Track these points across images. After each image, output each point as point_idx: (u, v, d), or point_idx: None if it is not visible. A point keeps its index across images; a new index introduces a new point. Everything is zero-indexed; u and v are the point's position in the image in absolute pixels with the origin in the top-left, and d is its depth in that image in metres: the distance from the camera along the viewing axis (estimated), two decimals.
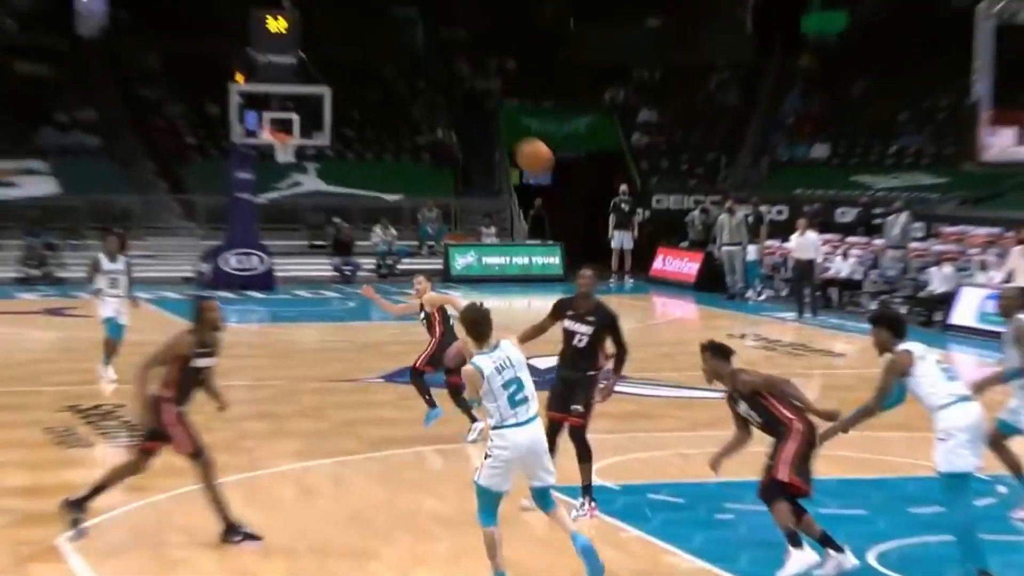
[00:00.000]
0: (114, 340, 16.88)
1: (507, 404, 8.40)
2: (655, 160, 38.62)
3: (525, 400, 8.46)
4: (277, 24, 28.44)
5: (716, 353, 9.20)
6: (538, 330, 10.78)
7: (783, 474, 8.78)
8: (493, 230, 34.31)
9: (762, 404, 9.02)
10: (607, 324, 10.61)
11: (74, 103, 37.22)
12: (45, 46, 38.92)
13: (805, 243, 24.62)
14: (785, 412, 8.95)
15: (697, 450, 12.80)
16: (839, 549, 8.91)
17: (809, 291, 24.84)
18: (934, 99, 37.76)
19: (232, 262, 29.15)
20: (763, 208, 29.41)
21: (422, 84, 40.90)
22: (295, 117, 28.40)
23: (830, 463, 11.59)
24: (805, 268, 24.69)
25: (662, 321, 26.16)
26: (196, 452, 9.81)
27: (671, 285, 30.21)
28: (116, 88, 38.09)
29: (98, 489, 9.97)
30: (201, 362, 9.87)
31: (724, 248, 28.08)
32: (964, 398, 8.67)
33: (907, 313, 23.74)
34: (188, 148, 36.95)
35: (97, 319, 17.17)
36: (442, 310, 13.43)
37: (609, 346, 10.85)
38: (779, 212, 31.65)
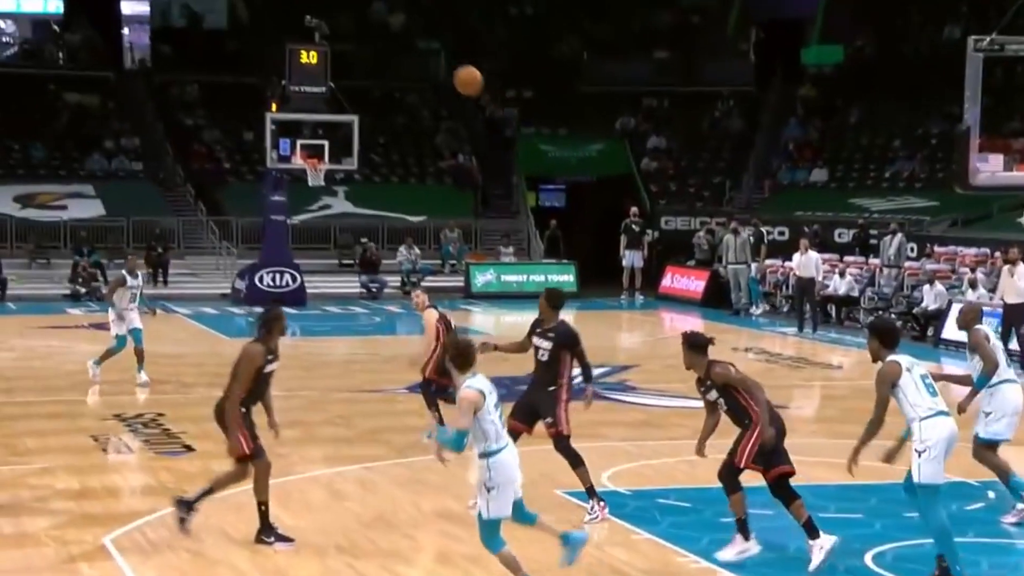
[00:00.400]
0: (141, 347, 17.41)
1: (501, 425, 8.27)
2: (663, 183, 38.61)
3: (504, 428, 8.40)
4: (309, 57, 28.51)
5: (692, 346, 9.40)
6: (519, 347, 10.99)
7: (741, 461, 9.18)
8: (511, 249, 34.33)
9: (732, 395, 9.31)
10: (565, 341, 10.63)
11: (119, 131, 37.43)
12: (93, 78, 39.18)
13: (806, 262, 24.61)
14: (753, 406, 9.21)
15: (703, 457, 12.78)
16: (817, 536, 9.16)
17: (809, 307, 24.79)
18: (926, 127, 37.70)
19: (266, 280, 29.21)
20: (763, 228, 29.39)
21: (445, 112, 40.99)
22: (325, 143, 28.47)
23: (830, 469, 11.57)
24: (806, 285, 24.65)
25: (670, 335, 26.09)
26: (248, 457, 9.75)
27: (679, 301, 30.18)
28: (158, 117, 38.29)
29: (207, 492, 9.93)
30: (269, 367, 9.86)
31: (730, 266, 28.06)
32: (942, 413, 8.65)
33: (901, 328, 23.69)
34: (225, 173, 37.10)
35: (122, 331, 17.45)
36: (443, 319, 13.41)
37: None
38: (780, 233, 31.60)
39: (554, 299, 10.79)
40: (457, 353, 8.37)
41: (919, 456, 8.57)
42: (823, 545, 9.11)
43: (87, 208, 34.05)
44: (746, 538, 9.35)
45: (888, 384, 8.61)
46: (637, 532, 10.28)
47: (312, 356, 20.99)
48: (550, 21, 44.57)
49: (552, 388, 10.68)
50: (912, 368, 8.69)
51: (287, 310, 25.45)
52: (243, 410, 9.79)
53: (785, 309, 27.49)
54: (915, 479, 8.64)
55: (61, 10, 45.12)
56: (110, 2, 43.21)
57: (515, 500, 8.32)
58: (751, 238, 28.25)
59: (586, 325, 28.23)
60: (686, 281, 31.01)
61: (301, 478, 12.11)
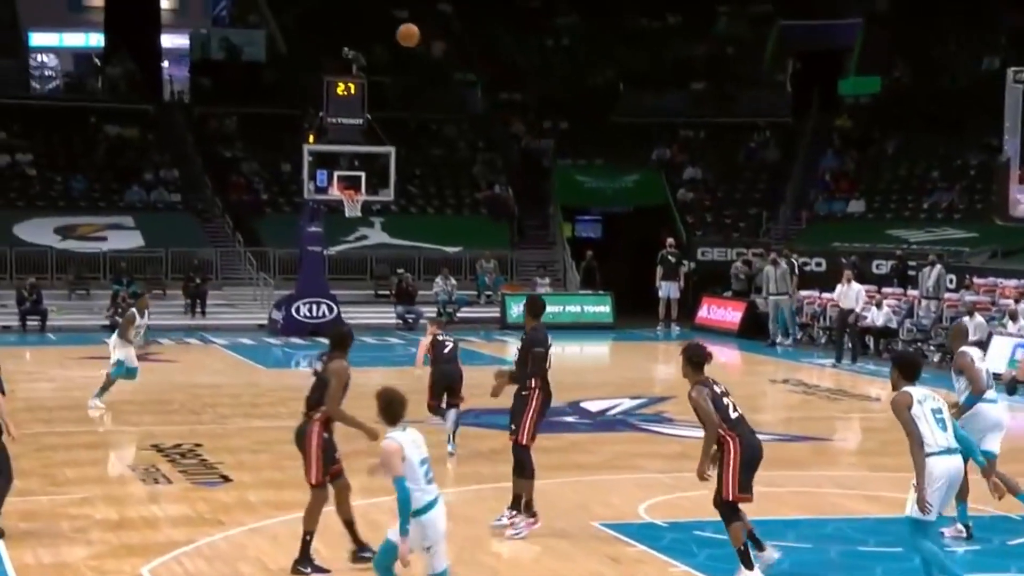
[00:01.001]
0: (115, 379, 18.19)
1: (424, 483, 7.91)
2: (700, 214, 38.56)
3: (433, 480, 8.03)
4: (346, 88, 28.69)
5: (688, 361, 9.64)
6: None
7: (729, 495, 9.31)
8: (547, 280, 34.34)
9: (702, 420, 9.51)
10: (523, 346, 11.08)
11: (158, 163, 37.75)
12: (133, 110, 39.56)
13: (849, 293, 24.57)
14: (726, 432, 9.39)
15: (704, 480, 12.73)
16: (762, 548, 9.47)
17: (849, 339, 24.72)
18: (965, 157, 37.53)
19: (302, 310, 29.32)
20: (794, 259, 29.22)
21: (481, 143, 41.13)
22: (362, 174, 28.60)
23: (869, 502, 11.50)
24: (847, 317, 24.59)
25: (707, 367, 26.06)
26: (321, 485, 9.75)
27: (715, 332, 30.06)
28: (197, 149, 38.58)
29: (349, 526, 9.92)
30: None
31: (770, 298, 27.97)
32: (949, 450, 8.74)
33: (940, 360, 23.54)
34: (263, 204, 37.30)
35: (114, 358, 18.29)
36: (435, 345, 14.91)
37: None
38: (817, 264, 31.46)
39: (530, 306, 11.47)
40: (384, 404, 8.08)
41: (914, 489, 8.67)
42: None
43: (126, 239, 34.31)
44: (749, 568, 9.36)
45: (905, 408, 8.74)
46: (674, 564, 10.23)
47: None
48: (586, 52, 44.74)
49: (524, 393, 10.99)
50: (924, 401, 8.79)
51: (323, 340, 25.51)
52: (326, 435, 9.71)
53: (823, 340, 27.35)
54: (906, 511, 8.74)
55: (102, 44, 45.71)
56: (150, 36, 43.68)
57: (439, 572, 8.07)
58: (791, 269, 28.34)
59: (622, 356, 28.28)
60: (722, 312, 30.92)
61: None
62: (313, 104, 29.98)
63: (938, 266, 26.49)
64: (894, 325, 25.97)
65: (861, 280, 27.07)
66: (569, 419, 17.65)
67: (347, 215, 29.01)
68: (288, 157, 36.17)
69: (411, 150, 37.18)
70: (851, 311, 24.48)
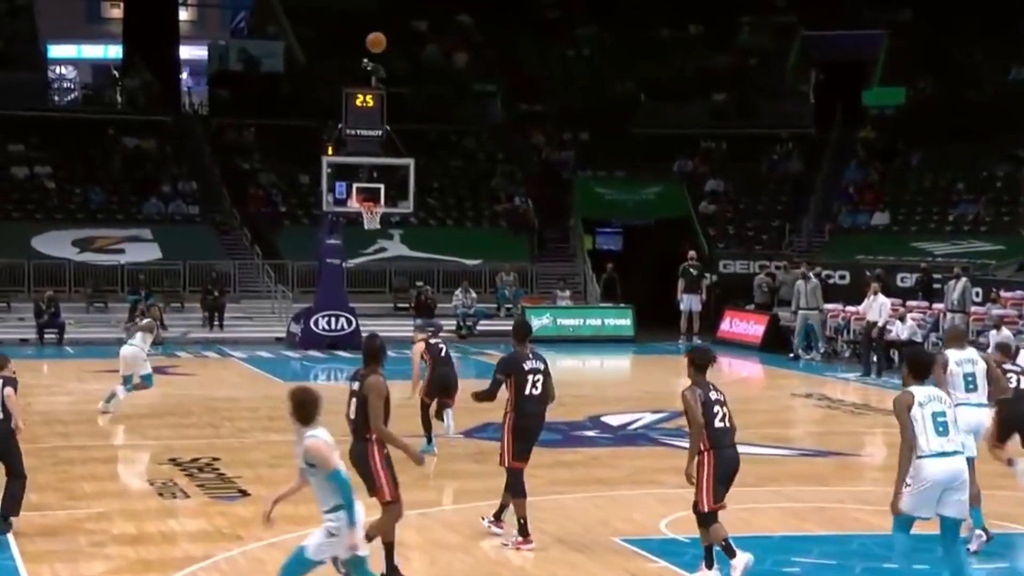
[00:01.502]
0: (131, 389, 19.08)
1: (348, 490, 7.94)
2: (722, 227, 38.51)
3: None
4: (365, 100, 28.77)
5: (691, 363, 10.00)
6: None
7: (705, 506, 9.76)
8: (567, 293, 34.32)
9: (688, 421, 9.91)
10: (498, 367, 11.37)
11: (176, 175, 37.90)
12: (151, 122, 39.75)
13: (875, 306, 24.53)
14: (706, 437, 9.75)
15: (763, 504, 12.70)
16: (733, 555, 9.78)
17: (875, 352, 24.67)
18: (991, 169, 37.40)
19: (321, 323, 29.37)
20: (811, 273, 29.10)
21: (501, 155, 41.18)
22: (381, 186, 28.63)
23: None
24: (873, 330, 24.55)
25: (729, 380, 25.92)
26: (395, 500, 9.69)
27: (738, 346, 30.01)
28: (215, 160, 38.74)
29: (388, 551, 9.89)
30: None
31: (800, 312, 27.81)
32: (945, 454, 8.90)
33: None
34: (281, 216, 37.40)
35: (147, 370, 19.14)
36: (430, 348, 16.02)
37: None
38: (841, 277, 31.38)
39: (513, 329, 11.83)
40: (296, 404, 7.99)
41: (904, 488, 8.93)
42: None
43: (144, 252, 34.44)
44: (710, 567, 9.90)
45: (905, 409, 8.96)
46: None
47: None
48: (607, 63, 44.77)
49: (504, 413, 11.22)
50: (927, 403, 8.96)
51: (341, 353, 25.46)
52: (385, 451, 9.65)
53: (846, 354, 27.27)
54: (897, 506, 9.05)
55: (120, 56, 45.97)
56: (168, 47, 43.92)
57: (362, 557, 8.12)
58: (807, 282, 28.32)
59: (643, 370, 28.23)
60: (745, 325, 30.86)
61: None
62: (332, 116, 30.05)
63: (963, 279, 26.39)
64: (919, 339, 25.87)
65: (886, 293, 27.01)
66: (590, 433, 17.64)
67: (366, 227, 29.05)
68: (307, 169, 36.27)
69: (430, 162, 37.26)
70: (877, 324, 24.43)
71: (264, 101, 40.28)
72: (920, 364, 9.25)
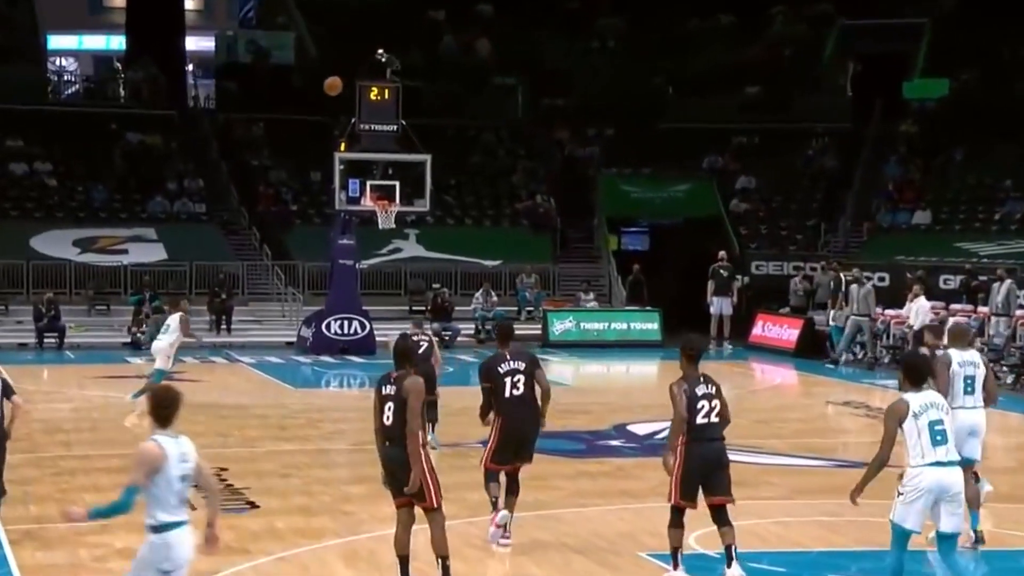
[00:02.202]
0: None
1: (177, 501, 7.66)
2: (754, 226, 38.46)
3: (186, 503, 7.70)
4: (380, 94, 28.83)
5: (682, 351, 10.46)
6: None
7: (671, 498, 10.25)
8: (591, 296, 34.32)
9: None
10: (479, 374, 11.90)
11: (182, 172, 38.03)
12: (155, 116, 39.89)
13: (914, 309, 24.49)
14: (684, 436, 10.17)
15: (797, 518, 12.68)
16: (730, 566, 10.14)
17: None
18: None
19: (333, 327, 29.43)
20: (842, 274, 29.06)
21: (522, 151, 41.20)
22: (396, 184, 28.70)
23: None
24: (916, 333, 24.48)
25: (761, 388, 25.95)
26: (439, 507, 9.76)
27: (770, 351, 29.97)
28: (222, 157, 38.87)
29: (403, 564, 9.98)
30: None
31: (852, 317, 27.61)
32: (939, 464, 8.99)
33: (1015, 382, 23.36)
34: (291, 215, 37.51)
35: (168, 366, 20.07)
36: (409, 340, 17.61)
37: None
38: (880, 279, 31.29)
39: (496, 332, 12.48)
40: (154, 404, 7.68)
41: (897, 496, 9.11)
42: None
43: (148, 252, 34.57)
44: (675, 568, 10.37)
45: (895, 419, 9.04)
46: None
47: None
48: (632, 55, 44.74)
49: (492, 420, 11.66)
50: (923, 413, 9.01)
51: (354, 359, 25.42)
52: (427, 454, 9.68)
53: (886, 360, 27.16)
54: (889, 515, 9.17)
55: (123, 47, 46.13)
56: (174, 38, 44.09)
57: None
58: (831, 284, 28.25)
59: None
60: (778, 330, 30.80)
61: (370, 537, 12.14)
62: (345, 110, 30.15)
63: (1008, 281, 26.26)
64: None
65: (928, 296, 26.93)
66: (615, 443, 17.63)
67: (380, 227, 29.11)
68: (318, 166, 36.37)
69: (448, 158, 37.27)
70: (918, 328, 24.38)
71: (274, 95, 40.41)
72: (916, 369, 9.30)
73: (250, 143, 39.78)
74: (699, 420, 10.14)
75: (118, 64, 45.96)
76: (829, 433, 20.12)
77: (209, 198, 37.39)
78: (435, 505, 9.70)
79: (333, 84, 24.75)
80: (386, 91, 28.84)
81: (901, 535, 9.12)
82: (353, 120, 28.89)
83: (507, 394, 11.55)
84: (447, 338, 31.44)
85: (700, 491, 10.25)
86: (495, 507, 11.79)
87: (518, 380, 11.58)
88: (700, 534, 12.10)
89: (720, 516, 10.31)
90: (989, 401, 11.30)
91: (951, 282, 30.57)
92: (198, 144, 39.44)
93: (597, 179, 39.57)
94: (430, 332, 20.15)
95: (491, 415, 11.67)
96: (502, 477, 11.73)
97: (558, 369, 27.93)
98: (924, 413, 9.03)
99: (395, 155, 29.12)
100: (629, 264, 35.81)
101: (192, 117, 41.14)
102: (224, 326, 31.87)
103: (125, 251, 34.52)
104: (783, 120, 41.25)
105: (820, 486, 14.85)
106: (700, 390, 10.19)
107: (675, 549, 10.39)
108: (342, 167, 28.67)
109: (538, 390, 11.65)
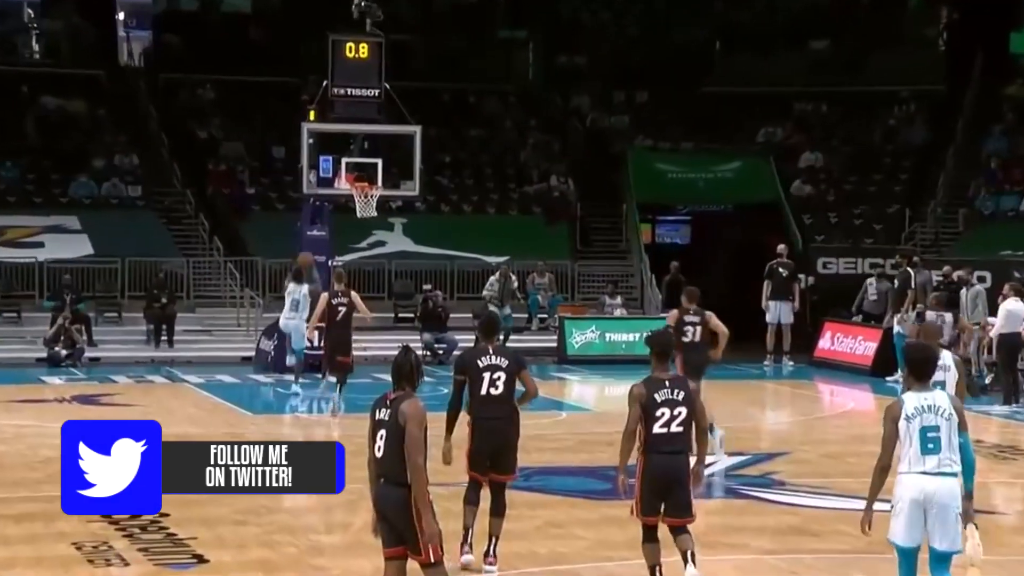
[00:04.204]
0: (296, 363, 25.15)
1: None
2: (821, 214, 38.46)
3: None
4: (357, 50, 28.83)
5: (652, 350, 11.20)
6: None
7: (633, 512, 11.16)
8: (619, 300, 34.31)
9: None
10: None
11: (112, 145, 38.03)
12: (78, 77, 39.90)
13: (1007, 314, 24.50)
14: (641, 446, 10.98)
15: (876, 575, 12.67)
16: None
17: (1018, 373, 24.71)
18: None
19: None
20: (911, 271, 29.05)
21: (533, 122, 41.23)
22: (379, 162, 28.71)
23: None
24: (1011, 344, 24.51)
25: (830, 414, 25.96)
26: (440, 561, 9.73)
27: (841, 369, 29.94)
28: (162, 127, 38.87)
29: None
30: None
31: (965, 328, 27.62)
32: (926, 473, 9.65)
33: None
34: (249, 200, 37.54)
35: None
36: (329, 308, 22.56)
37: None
38: (980, 278, 31.27)
39: (480, 326, 13.29)
40: None
41: (891, 512, 9.84)
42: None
43: (70, 246, 34.56)
44: None
45: (891, 420, 9.77)
46: None
47: (359, 438, 21.02)
48: (670, 4, 44.76)
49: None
50: (916, 417, 9.68)
51: (327, 378, 25.59)
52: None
53: (987, 379, 27.09)
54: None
55: None
56: None
57: None
58: (895, 283, 28.57)
59: (718, 400, 28.11)
60: (851, 342, 30.80)
61: None
62: (315, 70, 30.18)
63: None
64: None
65: None
66: None
67: (359, 215, 29.13)
68: (282, 139, 36.40)
69: (442, 130, 37.33)
70: (1015, 335, 24.42)
71: (226, 51, 40.42)
72: (919, 363, 9.91)
73: (197, 110, 39.82)
74: (656, 429, 10.86)
75: (30, 12, 45.97)
76: None
77: (146, 179, 37.42)
78: (433, 560, 9.67)
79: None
80: (365, 47, 28.85)
81: (899, 553, 9.84)
82: (325, 83, 28.91)
83: (483, 391, 12.20)
84: (441, 352, 31.47)
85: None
86: (464, 538, 12.46)
87: (498, 378, 12.16)
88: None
89: (678, 530, 11.19)
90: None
91: None
92: (132, 112, 39.46)
93: (626, 156, 39.58)
94: (353, 293, 23.59)
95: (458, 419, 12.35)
96: (485, 496, 12.45)
97: (578, 390, 27.92)
98: (918, 417, 9.66)
99: (377, 126, 29.13)
100: (665, 261, 35.81)
101: (124, 78, 41.17)
102: (165, 338, 31.89)
103: (40, 244, 34.51)
104: (858, 82, 41.25)
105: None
106: (661, 395, 10.88)
107: (652, 567, 11.13)
108: (311, 141, 28.69)
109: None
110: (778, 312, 31.54)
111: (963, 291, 27.92)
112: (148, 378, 28.45)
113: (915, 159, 40.07)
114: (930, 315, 23.89)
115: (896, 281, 29.10)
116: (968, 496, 10.23)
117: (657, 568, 11.16)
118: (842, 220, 38.46)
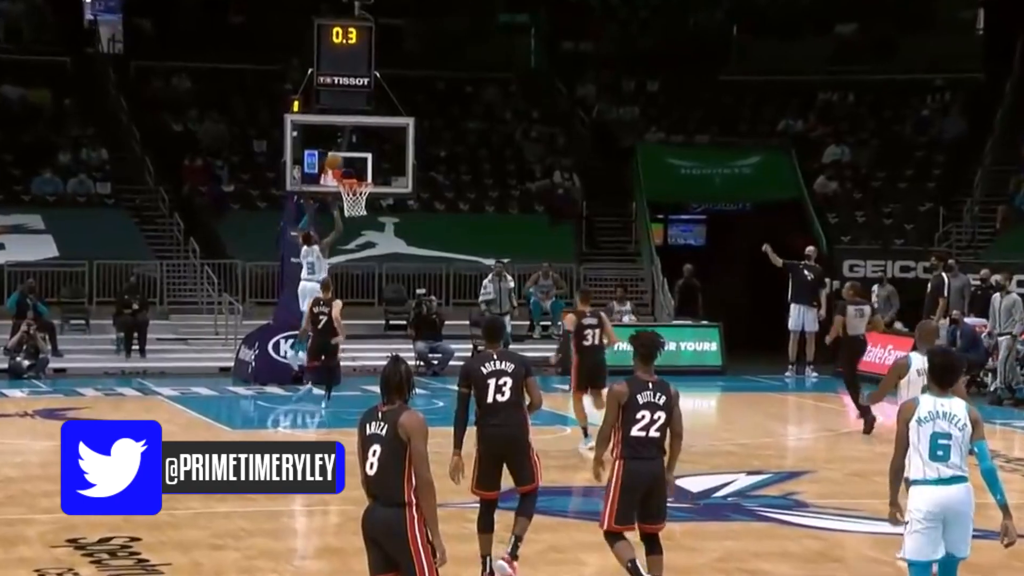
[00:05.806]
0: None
1: None
2: (848, 213, 38.48)
3: None
4: (345, 35, 28.86)
5: (637, 351, 11.48)
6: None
7: (604, 523, 11.26)
8: (628, 306, 34.32)
9: None
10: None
11: (79, 139, 38.04)
12: (42, 64, 39.89)
13: None
14: (616, 448, 11.23)
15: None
16: None
17: None
18: None
19: (283, 347, 29.43)
20: (945, 275, 29.08)
21: (536, 113, 41.26)
22: (368, 156, 28.73)
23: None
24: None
25: (857, 429, 25.97)
26: None
27: (869, 379, 29.93)
28: (133, 119, 38.87)
29: None
30: None
31: (1002, 338, 27.63)
32: (942, 481, 9.93)
33: None
34: (227, 197, 37.56)
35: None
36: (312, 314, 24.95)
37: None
38: (1020, 282, 31.31)
39: (484, 329, 13.69)
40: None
41: (905, 527, 10.16)
42: None
43: (33, 247, 34.57)
44: None
45: (903, 421, 10.11)
46: None
47: (349, 456, 21.07)
48: None
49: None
50: (928, 420, 9.97)
51: (313, 391, 25.63)
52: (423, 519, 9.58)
53: None
54: (898, 554, 10.34)
55: None
56: None
57: None
58: (928, 287, 28.76)
59: (735, 413, 28.19)
60: (880, 352, 30.82)
61: None
62: (299, 56, 30.22)
63: None
64: None
65: None
66: None
67: (347, 214, 29.14)
68: (263, 132, 36.43)
69: (437, 122, 37.39)
70: None
71: (203, 36, 40.45)
72: (941, 369, 10.14)
73: (171, 100, 39.84)
74: (634, 432, 11.09)
75: None
76: None
77: (115, 175, 37.44)
78: None
79: (333, 161, 27.85)
80: (353, 32, 28.87)
81: (920, 570, 10.08)
82: (310, 71, 28.94)
83: (489, 399, 12.32)
84: (436, 362, 31.50)
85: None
86: (484, 567, 12.37)
87: (504, 383, 12.27)
88: None
89: (651, 544, 11.35)
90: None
91: None
92: (100, 102, 39.48)
93: (636, 150, 39.61)
94: (336, 303, 25.35)
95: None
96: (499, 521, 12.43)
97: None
98: (931, 422, 9.96)
99: (366, 118, 29.16)
100: (678, 264, 35.82)
101: (92, 65, 41.18)
102: (136, 347, 31.89)
103: (1, 245, 34.54)
104: (888, 70, 41.28)
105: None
106: (643, 397, 11.13)
107: (630, 562, 11.23)
108: (295, 134, 28.69)
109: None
110: (801, 319, 31.51)
111: (996, 296, 27.91)
112: (118, 391, 28.44)
113: (950, 153, 40.08)
114: (850, 309, 24.29)
115: (929, 285, 29.10)
116: (1004, 508, 10.11)
117: (635, 562, 11.21)
118: (870, 220, 38.48)
